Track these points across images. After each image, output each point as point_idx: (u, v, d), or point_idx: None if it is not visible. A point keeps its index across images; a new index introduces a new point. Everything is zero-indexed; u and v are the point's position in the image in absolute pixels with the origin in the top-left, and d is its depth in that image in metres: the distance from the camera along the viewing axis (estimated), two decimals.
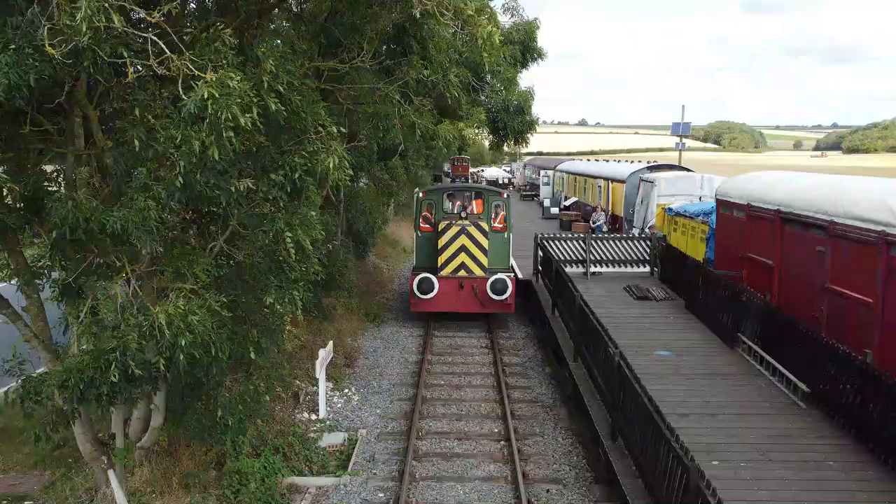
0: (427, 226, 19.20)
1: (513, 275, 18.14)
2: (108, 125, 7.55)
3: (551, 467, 10.76)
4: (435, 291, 17.60)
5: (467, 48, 8.24)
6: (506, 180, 76.53)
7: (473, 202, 19.40)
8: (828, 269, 11.69)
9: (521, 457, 10.96)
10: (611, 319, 13.86)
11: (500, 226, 19.14)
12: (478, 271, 17.78)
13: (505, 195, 19.45)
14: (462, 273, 17.81)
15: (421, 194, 19.43)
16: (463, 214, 18.24)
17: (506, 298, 17.65)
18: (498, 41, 7.87)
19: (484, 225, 17.93)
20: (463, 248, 17.69)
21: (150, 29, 6.16)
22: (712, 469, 7.99)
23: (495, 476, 10.44)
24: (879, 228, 10.33)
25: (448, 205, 19.47)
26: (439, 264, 17.83)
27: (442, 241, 17.75)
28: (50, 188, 7.51)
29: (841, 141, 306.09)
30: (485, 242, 17.78)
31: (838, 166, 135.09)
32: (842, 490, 7.79)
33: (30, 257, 7.98)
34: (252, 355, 8.06)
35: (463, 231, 17.62)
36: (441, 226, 17.90)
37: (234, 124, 5.90)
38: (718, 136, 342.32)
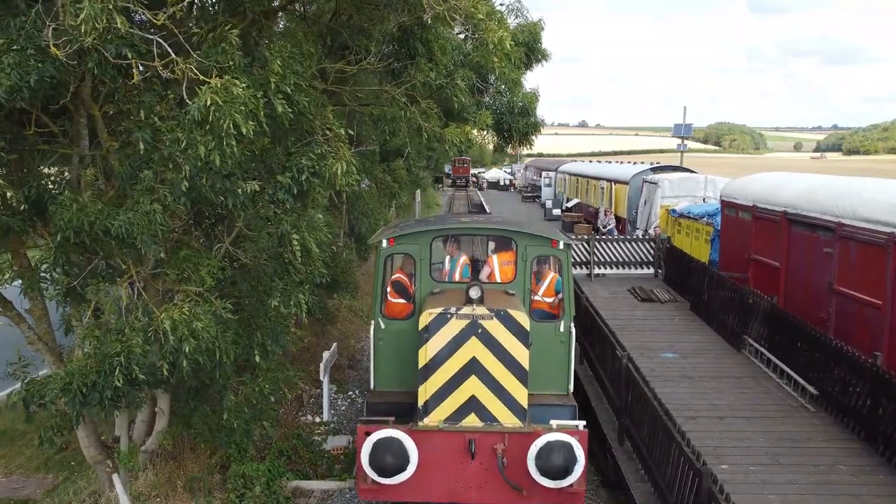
0: (400, 301, 9.58)
1: (582, 423, 8.32)
2: (113, 127, 7.51)
3: None
4: (411, 470, 8.01)
5: (478, 53, 8.13)
6: (507, 182, 76.61)
7: (495, 257, 9.76)
8: (835, 271, 11.63)
9: None
10: (616, 321, 13.81)
11: (551, 302, 9.71)
12: (507, 417, 8.16)
13: (560, 244, 9.30)
14: (472, 421, 8.19)
15: (387, 242, 9.21)
16: (473, 294, 8.11)
17: (572, 484, 8.01)
18: (509, 46, 7.81)
19: (518, 315, 8.15)
20: (474, 367, 8.12)
21: (156, 30, 6.11)
22: (721, 473, 7.89)
23: None
24: (889, 230, 10.28)
25: (443, 261, 9.99)
26: (423, 400, 8.20)
27: (430, 351, 8.12)
28: (54, 191, 7.45)
29: (841, 142, 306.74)
30: (522, 352, 8.14)
31: (837, 167, 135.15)
32: (853, 494, 7.72)
33: (34, 259, 7.93)
34: (257, 358, 8.01)
35: (474, 330, 8.09)
36: (428, 315, 8.15)
37: (237, 132, 5.82)
38: (719, 137, 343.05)
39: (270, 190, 7.12)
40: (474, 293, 8.15)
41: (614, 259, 19.46)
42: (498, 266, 9.69)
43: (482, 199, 55.02)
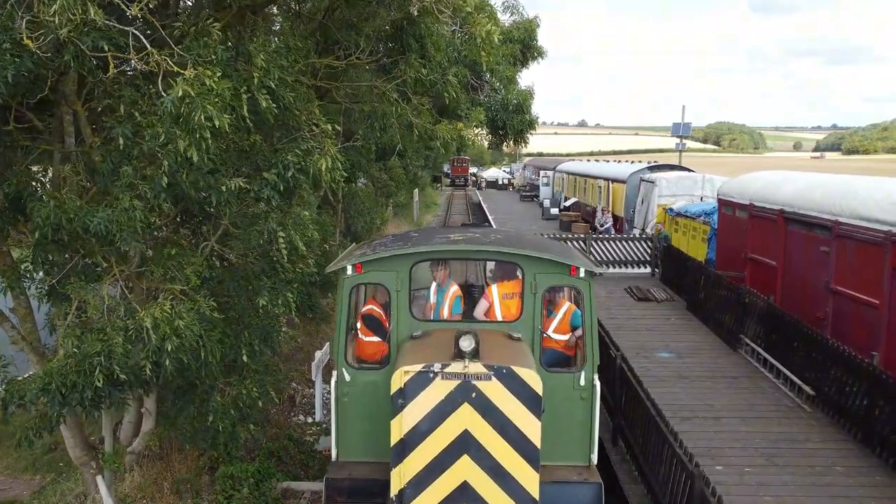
0: (373, 339, 7.53)
1: None
2: (98, 124, 7.39)
3: None
4: None
5: (466, 47, 8.05)
6: (505, 181, 76.56)
7: (495, 287, 7.57)
8: (832, 270, 11.52)
9: None
10: (612, 321, 13.70)
11: (566, 340, 7.74)
12: None
13: (581, 271, 6.94)
14: None
15: (353, 269, 6.95)
16: (465, 346, 5.91)
17: None
18: (497, 40, 7.71)
19: (525, 373, 5.97)
20: (466, 443, 5.97)
21: (136, 23, 5.98)
22: (716, 474, 7.80)
23: None
24: (886, 228, 10.17)
25: (428, 288, 8.00)
26: (397, 488, 6.05)
27: (407, 422, 5.98)
28: (35, 188, 7.33)
29: (841, 142, 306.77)
30: (530, 423, 5.98)
31: (836, 167, 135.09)
32: (848, 496, 7.61)
33: (18, 258, 7.81)
34: (245, 358, 7.88)
35: (466, 394, 5.95)
36: (404, 374, 6.00)
37: (211, 125, 5.65)
38: (718, 137, 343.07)
39: (256, 187, 6.99)
40: (466, 344, 5.94)
41: (611, 258, 19.35)
42: (499, 299, 7.47)
43: (481, 198, 54.97)
